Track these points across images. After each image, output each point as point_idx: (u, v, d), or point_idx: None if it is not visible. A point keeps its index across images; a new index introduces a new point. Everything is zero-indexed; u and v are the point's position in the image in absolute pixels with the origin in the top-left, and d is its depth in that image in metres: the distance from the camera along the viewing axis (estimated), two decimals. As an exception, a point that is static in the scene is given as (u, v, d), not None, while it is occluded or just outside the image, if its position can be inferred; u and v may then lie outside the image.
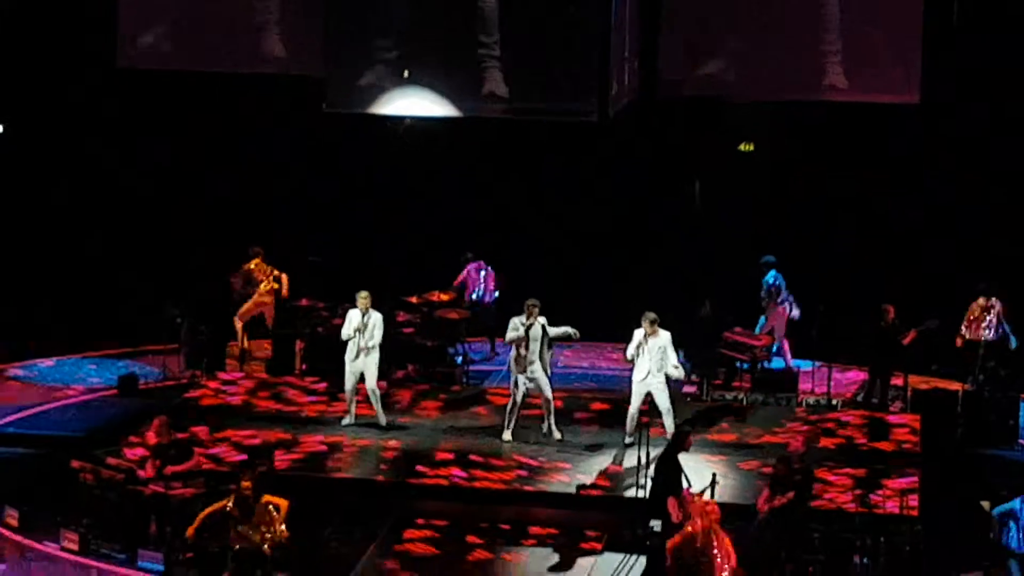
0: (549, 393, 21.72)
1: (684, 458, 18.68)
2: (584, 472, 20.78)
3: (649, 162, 27.42)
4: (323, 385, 23.63)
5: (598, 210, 27.65)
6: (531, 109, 24.28)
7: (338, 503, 19.93)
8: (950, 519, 19.63)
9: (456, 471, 20.81)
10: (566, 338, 21.79)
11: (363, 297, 21.98)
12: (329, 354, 23.29)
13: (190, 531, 17.78)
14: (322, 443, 21.60)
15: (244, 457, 20.76)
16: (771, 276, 24.83)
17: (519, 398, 21.60)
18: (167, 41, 26.05)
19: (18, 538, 19.15)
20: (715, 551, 16.93)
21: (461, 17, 24.12)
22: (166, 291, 25.05)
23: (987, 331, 23.70)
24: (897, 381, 23.57)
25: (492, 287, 26.28)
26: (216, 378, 24.08)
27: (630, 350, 21.22)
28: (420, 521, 19.68)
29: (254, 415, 22.68)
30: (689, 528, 17.13)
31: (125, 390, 23.87)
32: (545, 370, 21.57)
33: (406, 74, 24.28)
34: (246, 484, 17.66)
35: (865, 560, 18.34)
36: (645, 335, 21.12)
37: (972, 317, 23.83)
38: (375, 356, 22.02)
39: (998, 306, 23.76)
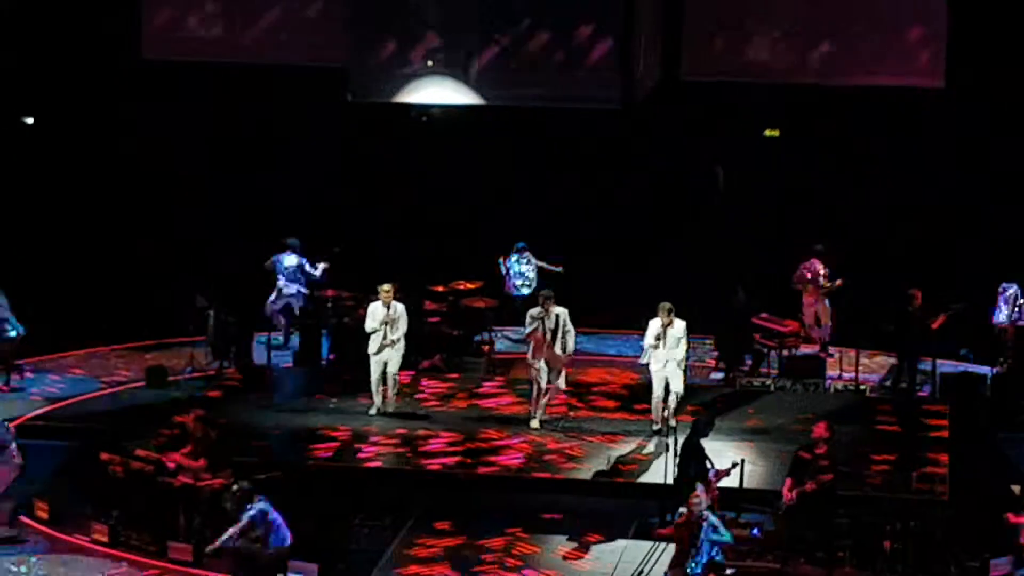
0: (562, 383, 21.85)
1: (710, 444, 18.65)
2: (611, 459, 20.74)
3: (672, 148, 27.34)
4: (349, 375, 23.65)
5: (624, 197, 27.60)
6: (554, 96, 24.26)
7: (367, 492, 19.94)
8: (980, 504, 19.56)
9: (482, 459, 20.81)
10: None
11: (385, 290, 21.96)
12: (355, 344, 23.27)
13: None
14: (351, 433, 21.64)
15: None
16: None
17: (542, 385, 21.67)
18: (198, 31, 26.12)
19: (48, 530, 19.22)
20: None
21: (483, 4, 24.11)
22: (195, 283, 25.07)
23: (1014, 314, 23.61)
24: (925, 365, 23.53)
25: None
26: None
27: (649, 340, 21.38)
28: (446, 509, 19.68)
29: (281, 408, 22.71)
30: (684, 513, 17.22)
31: (153, 382, 23.92)
32: (563, 359, 21.62)
33: (430, 63, 24.29)
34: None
35: (895, 545, 18.30)
36: (663, 325, 21.22)
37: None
38: (400, 346, 22.04)
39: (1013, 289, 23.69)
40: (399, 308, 22.01)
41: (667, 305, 21.29)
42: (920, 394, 23.41)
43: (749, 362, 24.28)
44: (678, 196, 27.59)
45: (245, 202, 27.38)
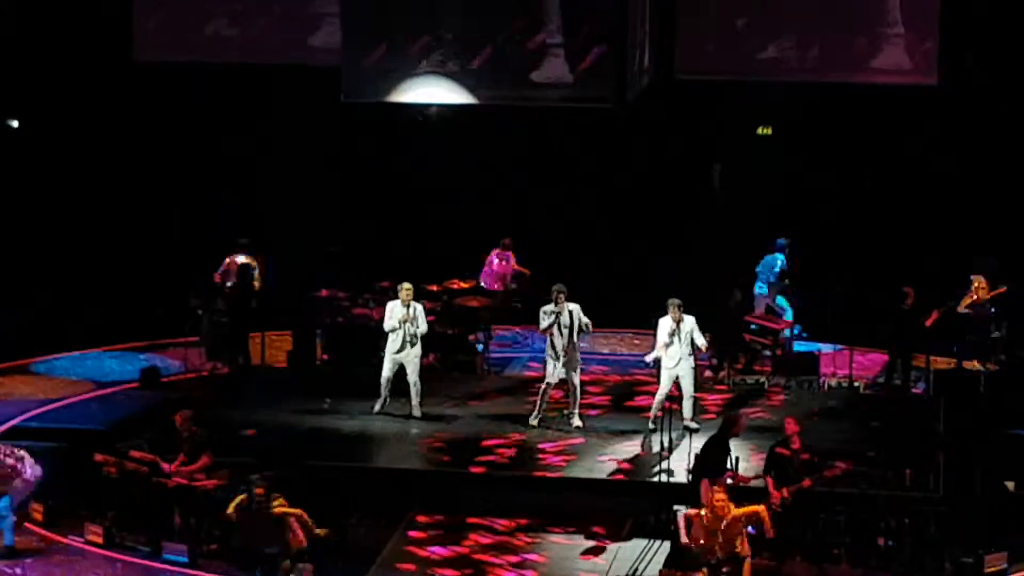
0: (577, 380, 21.69)
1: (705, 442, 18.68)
2: (607, 457, 20.76)
3: (667, 147, 27.37)
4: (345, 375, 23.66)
5: (618, 197, 27.62)
6: (550, 95, 24.27)
7: (364, 490, 19.94)
8: (974, 500, 19.58)
9: (479, 458, 20.82)
10: (584, 328, 21.72)
11: (406, 289, 21.95)
12: (350, 344, 23.24)
13: (231, 509, 17.88)
14: (350, 431, 21.64)
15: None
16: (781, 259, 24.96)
17: (553, 383, 21.59)
18: (191, 34, 26.13)
19: (43, 532, 19.21)
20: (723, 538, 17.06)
21: (477, 3, 24.15)
22: (188, 284, 25.06)
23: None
24: (918, 363, 23.55)
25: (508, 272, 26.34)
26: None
27: (662, 337, 21.13)
28: (442, 508, 19.69)
29: (280, 407, 22.72)
30: (698, 511, 17.22)
31: (147, 383, 23.92)
32: (575, 357, 21.56)
33: (424, 63, 24.29)
34: (259, 492, 17.77)
35: (890, 543, 18.33)
36: (675, 321, 21.11)
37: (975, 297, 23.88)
38: (419, 348, 21.99)
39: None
40: (418, 308, 21.99)
41: (676, 301, 21.07)
42: (914, 391, 23.42)
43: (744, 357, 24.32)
44: (673, 194, 27.61)
45: (237, 203, 27.39)
